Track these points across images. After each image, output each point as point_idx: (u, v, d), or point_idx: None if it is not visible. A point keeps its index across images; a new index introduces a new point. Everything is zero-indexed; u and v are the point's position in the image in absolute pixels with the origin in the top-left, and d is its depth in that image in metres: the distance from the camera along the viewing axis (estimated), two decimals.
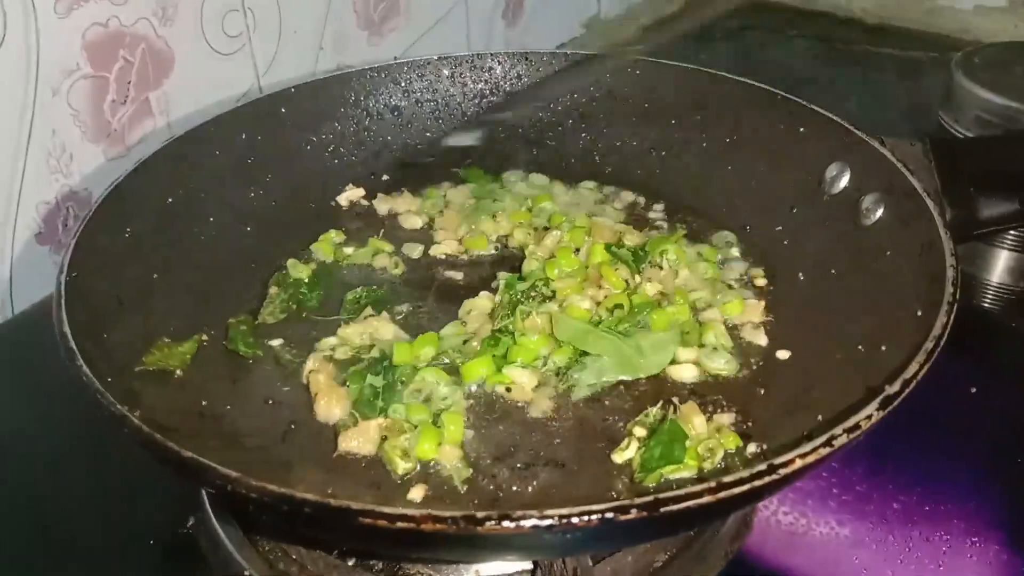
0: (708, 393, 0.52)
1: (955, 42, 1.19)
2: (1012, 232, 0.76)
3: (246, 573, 0.48)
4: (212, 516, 0.50)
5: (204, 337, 0.54)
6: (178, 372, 0.51)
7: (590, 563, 0.44)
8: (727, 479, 0.34)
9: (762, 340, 0.55)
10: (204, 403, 0.49)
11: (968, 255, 0.78)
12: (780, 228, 0.60)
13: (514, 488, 0.45)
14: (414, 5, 0.97)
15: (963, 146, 0.70)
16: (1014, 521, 0.55)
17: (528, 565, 0.47)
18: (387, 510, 0.33)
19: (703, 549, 0.50)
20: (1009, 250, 0.77)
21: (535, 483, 0.45)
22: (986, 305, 0.76)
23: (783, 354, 0.54)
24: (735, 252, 0.62)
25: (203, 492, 0.51)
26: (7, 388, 0.66)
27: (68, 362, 0.41)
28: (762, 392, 0.51)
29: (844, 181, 0.58)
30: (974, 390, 0.64)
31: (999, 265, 0.78)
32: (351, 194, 0.69)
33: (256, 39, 0.82)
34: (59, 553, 0.53)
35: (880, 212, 0.54)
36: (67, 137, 0.71)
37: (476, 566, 0.46)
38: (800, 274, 0.57)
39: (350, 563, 0.48)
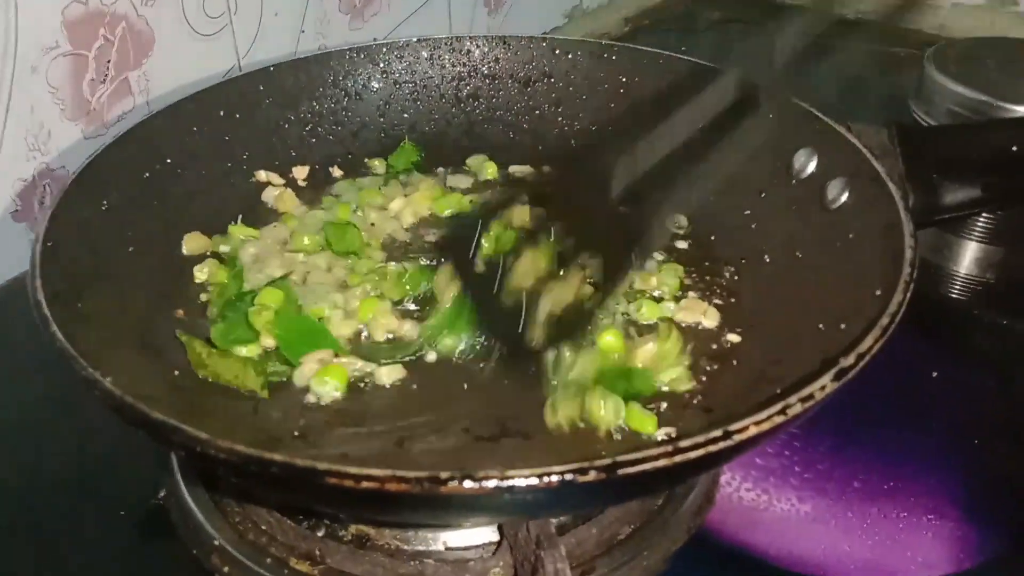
0: None
1: (932, 38, 1.20)
2: (979, 223, 0.78)
3: (216, 542, 0.49)
4: (183, 487, 0.51)
5: (180, 312, 0.55)
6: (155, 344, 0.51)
7: (554, 532, 0.45)
8: (683, 443, 0.35)
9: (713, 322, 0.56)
10: (176, 372, 0.50)
11: (936, 246, 0.80)
12: (748, 212, 0.62)
13: None
14: None
15: (928, 133, 0.71)
16: (970, 498, 0.56)
17: (494, 536, 0.48)
18: (353, 470, 0.34)
19: (666, 522, 0.51)
20: (977, 241, 0.79)
21: None
22: (953, 295, 0.78)
23: (734, 337, 0.55)
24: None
25: (174, 463, 0.52)
26: None
27: (41, 328, 0.42)
28: (725, 369, 0.52)
29: (812, 166, 0.59)
30: (935, 374, 0.65)
31: (967, 256, 0.80)
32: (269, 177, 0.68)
33: (237, 21, 0.83)
34: (29, 526, 0.54)
35: (845, 196, 0.55)
36: (45, 115, 0.71)
37: (444, 535, 0.48)
38: (766, 256, 0.58)
39: (319, 533, 0.49)
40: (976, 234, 0.79)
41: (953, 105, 0.81)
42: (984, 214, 0.77)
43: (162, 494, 0.53)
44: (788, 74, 0.64)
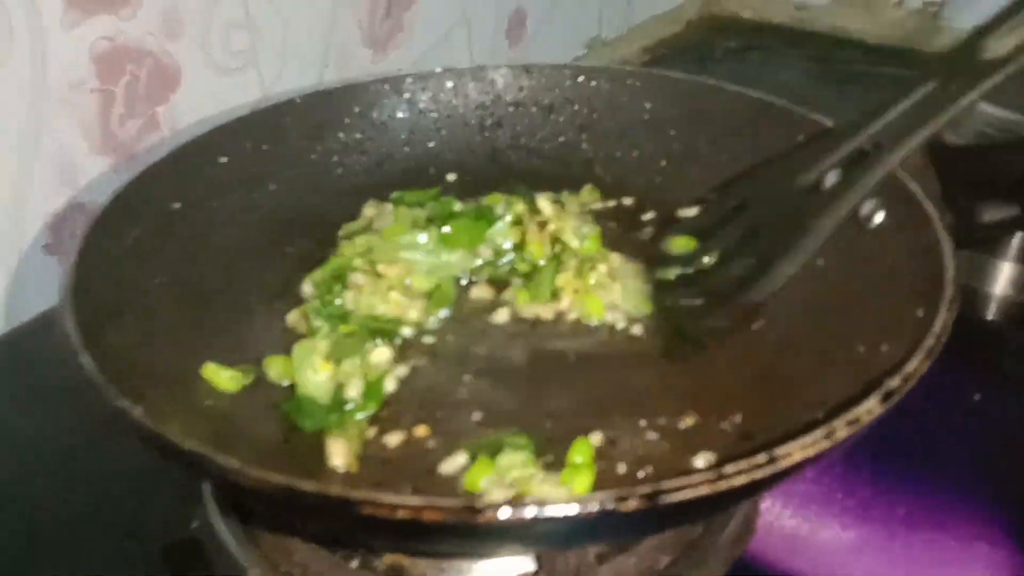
0: (708, 398, 0.51)
1: None
2: (1015, 243, 0.77)
3: (250, 573, 0.48)
4: (216, 517, 0.50)
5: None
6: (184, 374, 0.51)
7: (593, 561, 0.43)
8: (727, 469, 0.34)
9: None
10: (208, 403, 0.49)
11: (971, 267, 0.79)
12: None
13: None
14: (418, 23, 0.98)
15: (963, 152, 0.70)
16: (1019, 523, 0.54)
17: (531, 566, 0.47)
18: (387, 499, 0.33)
19: (705, 552, 0.50)
20: (1012, 262, 0.77)
21: None
22: (989, 316, 0.76)
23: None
24: None
25: (206, 493, 0.51)
26: (10, 396, 0.67)
27: (71, 358, 0.42)
28: (762, 393, 0.51)
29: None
30: (978, 397, 0.64)
31: (1002, 277, 0.78)
32: None
33: (261, 55, 0.84)
34: (61, 561, 0.53)
35: (880, 217, 0.55)
36: (75, 149, 0.72)
37: (479, 564, 0.46)
38: (799, 279, 0.57)
39: (353, 564, 0.48)
40: (1011, 254, 0.78)
41: (982, 125, 0.80)
42: (1013, 235, 0.76)
43: (195, 525, 0.52)
44: (809, 101, 0.63)
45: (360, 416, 0.50)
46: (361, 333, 0.54)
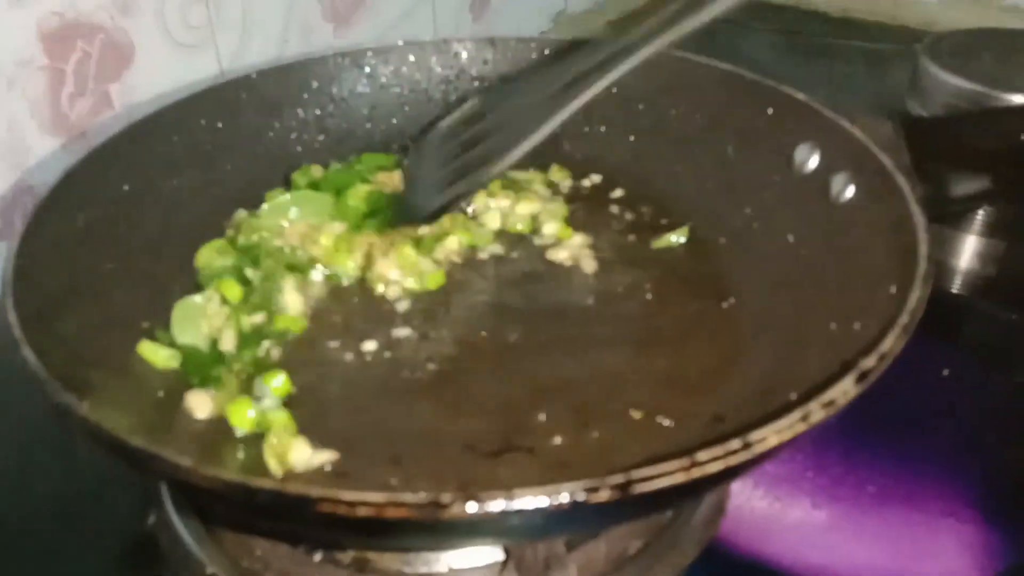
0: (678, 379, 0.51)
1: (920, 34, 1.19)
2: (980, 216, 0.77)
3: (208, 571, 0.46)
4: (173, 513, 0.48)
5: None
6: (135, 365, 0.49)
7: (564, 550, 0.43)
8: (700, 456, 0.33)
9: None
10: (161, 394, 0.48)
11: (936, 241, 0.78)
12: (749, 211, 0.60)
13: None
14: None
15: (934, 124, 0.70)
16: (989, 499, 0.54)
17: (500, 556, 0.46)
18: (347, 496, 0.32)
19: (676, 536, 0.49)
20: (977, 235, 0.77)
21: None
22: (955, 290, 0.76)
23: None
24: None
25: (163, 489, 0.50)
26: None
27: (14, 352, 0.40)
28: (732, 375, 0.50)
29: (814, 161, 0.57)
30: (946, 372, 0.64)
31: (967, 250, 0.78)
32: None
33: (219, 30, 0.81)
34: (18, 556, 0.52)
35: (851, 191, 0.54)
36: (23, 130, 0.69)
37: (447, 555, 0.45)
38: (769, 256, 0.57)
39: (316, 558, 0.47)
40: (976, 228, 0.77)
41: (950, 98, 0.80)
42: (984, 207, 0.76)
43: (151, 520, 0.50)
44: (776, 74, 0.62)
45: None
46: (276, 269, 0.55)
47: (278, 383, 0.47)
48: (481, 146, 0.56)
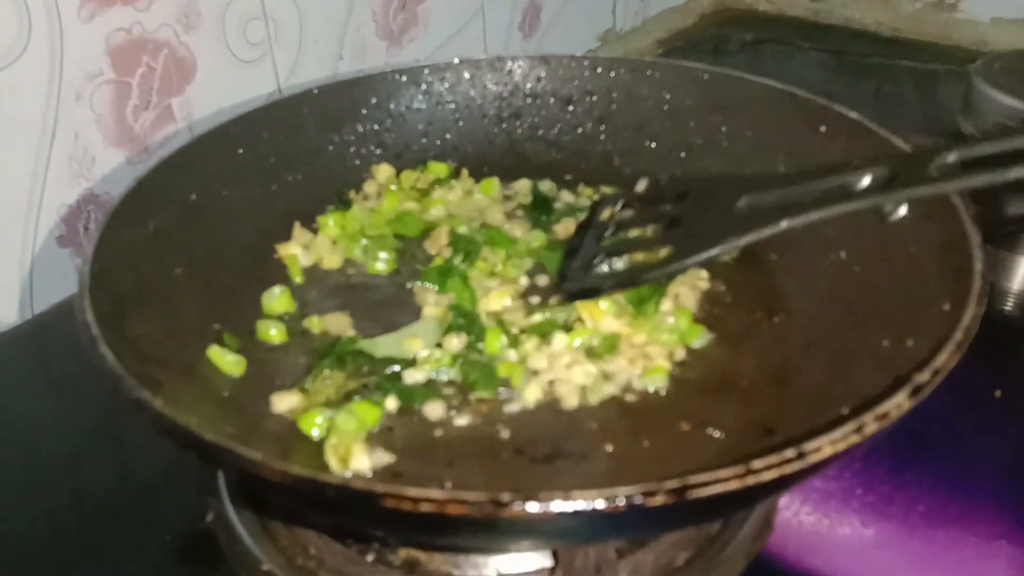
0: (725, 391, 0.51)
1: (972, 54, 1.18)
2: None
3: (265, 567, 0.48)
4: (230, 509, 0.50)
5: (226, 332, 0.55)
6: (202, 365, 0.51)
7: (614, 557, 0.43)
8: (756, 465, 0.34)
9: None
10: (226, 394, 0.49)
11: (989, 262, 0.78)
12: (802, 228, 0.60)
13: None
14: (432, 16, 0.98)
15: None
16: None
17: (548, 562, 0.47)
18: (410, 492, 0.33)
19: (724, 549, 0.49)
20: None
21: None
22: (1007, 311, 0.76)
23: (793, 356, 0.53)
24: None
25: (221, 485, 0.51)
26: (26, 387, 0.67)
27: (89, 350, 0.41)
28: (784, 388, 0.50)
29: (867, 179, 0.57)
30: (998, 393, 0.63)
31: (1020, 272, 0.77)
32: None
33: (277, 47, 0.83)
34: (73, 551, 0.53)
35: (904, 209, 0.54)
36: (89, 141, 0.72)
37: (496, 560, 0.46)
38: (823, 272, 0.57)
39: (369, 558, 0.48)
40: None
41: (1003, 118, 0.80)
42: None
43: (209, 517, 0.52)
44: (824, 94, 0.63)
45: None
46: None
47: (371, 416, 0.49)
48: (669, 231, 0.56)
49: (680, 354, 0.54)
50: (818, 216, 0.49)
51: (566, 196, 0.69)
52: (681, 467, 0.43)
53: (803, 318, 0.55)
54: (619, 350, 0.53)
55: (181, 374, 0.47)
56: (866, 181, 0.51)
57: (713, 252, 0.51)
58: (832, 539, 0.53)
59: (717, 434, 0.48)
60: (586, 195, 0.68)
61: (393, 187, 0.68)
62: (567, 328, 0.55)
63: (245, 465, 0.35)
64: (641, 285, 0.55)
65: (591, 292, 0.55)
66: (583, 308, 0.55)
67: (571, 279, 0.57)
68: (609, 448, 0.47)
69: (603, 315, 0.55)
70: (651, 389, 0.51)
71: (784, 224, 0.50)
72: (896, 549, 0.53)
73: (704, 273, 0.60)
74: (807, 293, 0.57)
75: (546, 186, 0.69)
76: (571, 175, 0.70)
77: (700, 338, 0.55)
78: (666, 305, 0.56)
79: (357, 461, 0.44)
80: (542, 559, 0.47)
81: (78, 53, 0.69)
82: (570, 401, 0.50)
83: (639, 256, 0.57)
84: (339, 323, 0.56)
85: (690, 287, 0.59)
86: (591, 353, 0.53)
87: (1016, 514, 0.54)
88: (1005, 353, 0.70)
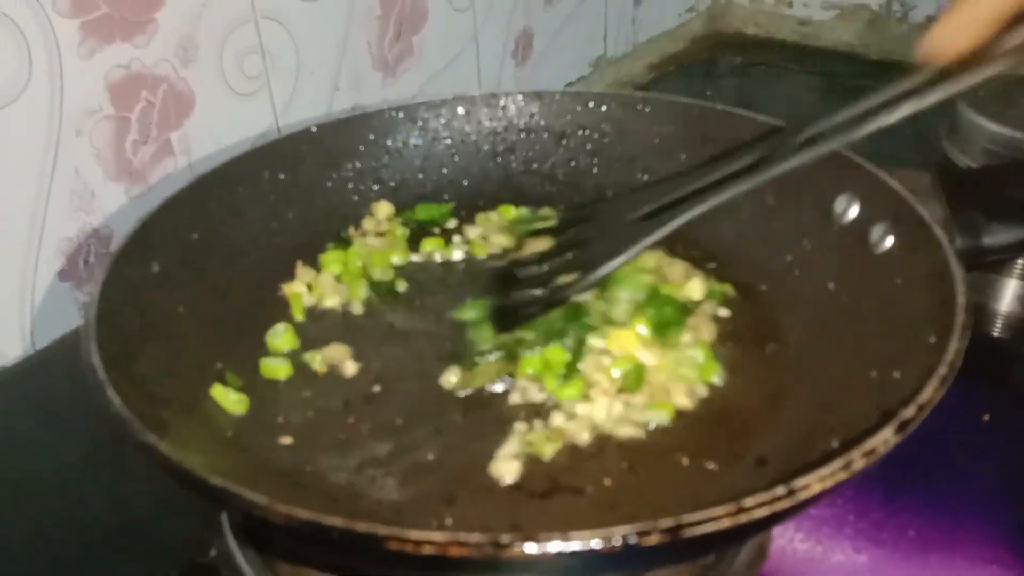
0: (716, 420, 0.52)
1: None
2: (1021, 261, 0.77)
3: None
4: (233, 545, 0.51)
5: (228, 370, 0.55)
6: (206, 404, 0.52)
7: None
8: (747, 503, 0.35)
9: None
10: (229, 433, 0.50)
11: (977, 284, 0.79)
12: (791, 259, 0.61)
13: None
14: (427, 47, 0.99)
15: (971, 175, 0.71)
16: None
17: None
18: (413, 535, 0.34)
19: None
20: (1018, 279, 0.78)
21: None
22: (996, 333, 0.77)
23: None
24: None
25: (224, 522, 0.52)
26: (28, 423, 0.67)
27: (97, 392, 0.42)
28: (774, 418, 0.52)
29: (853, 211, 0.59)
30: (987, 417, 0.64)
31: (1008, 294, 0.79)
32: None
33: (274, 80, 0.84)
34: None
35: (890, 241, 0.55)
36: (90, 176, 0.73)
37: None
38: (811, 303, 0.58)
39: None
40: (1017, 271, 0.78)
41: (989, 144, 0.81)
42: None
43: (212, 553, 0.52)
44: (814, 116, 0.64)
45: None
46: None
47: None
48: (577, 253, 0.59)
49: (701, 391, 0.54)
50: (708, 206, 0.55)
51: None
52: (677, 501, 0.45)
53: (794, 348, 0.57)
54: (643, 386, 0.54)
55: (185, 413, 0.48)
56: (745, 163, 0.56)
57: (619, 260, 0.55)
58: (826, 566, 0.54)
59: (711, 466, 0.49)
60: None
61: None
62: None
63: (251, 508, 0.36)
64: (563, 302, 0.57)
65: (519, 317, 0.57)
66: (614, 341, 0.56)
67: (498, 314, 0.59)
68: (607, 482, 0.48)
69: (636, 346, 0.56)
70: (652, 425, 0.52)
71: (679, 219, 0.55)
72: (889, 575, 0.54)
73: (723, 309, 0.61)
74: (797, 324, 0.58)
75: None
76: (565, 207, 0.71)
77: (718, 374, 0.55)
78: (685, 338, 0.57)
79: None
80: None
81: (78, 89, 0.70)
82: (579, 438, 0.51)
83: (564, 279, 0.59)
84: (338, 354, 0.57)
85: (708, 318, 0.59)
86: (619, 388, 0.54)
87: (1007, 538, 0.55)
88: (994, 376, 0.71)
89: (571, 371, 0.54)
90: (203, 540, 0.53)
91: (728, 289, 0.62)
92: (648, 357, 0.55)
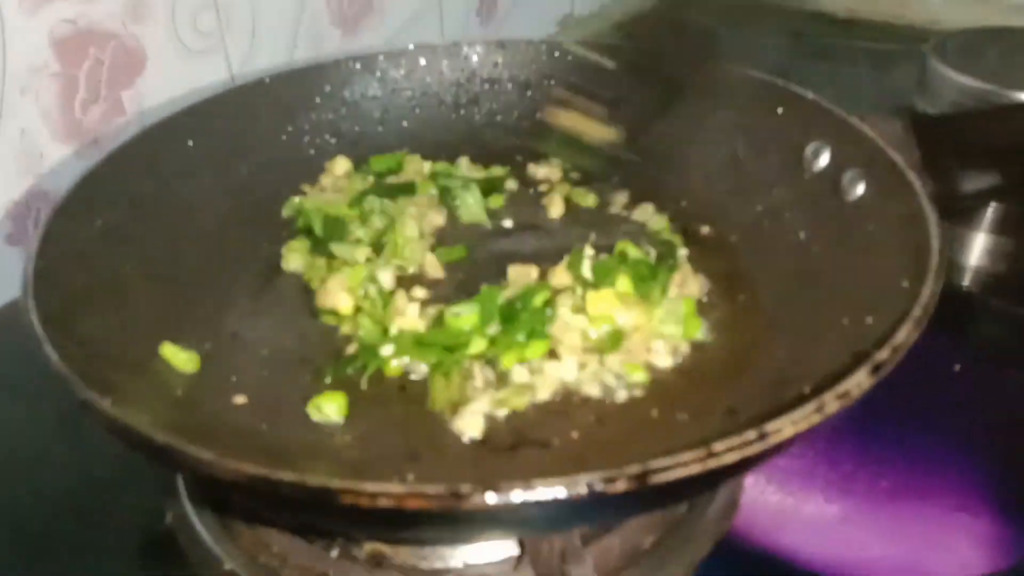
0: (687, 372, 0.51)
1: (925, 33, 1.19)
2: (989, 214, 0.77)
3: (226, 567, 0.47)
4: (190, 510, 0.49)
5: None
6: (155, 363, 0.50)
7: (579, 544, 0.43)
8: (717, 447, 0.34)
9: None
10: (180, 393, 0.48)
11: (946, 238, 0.79)
12: (760, 208, 0.60)
13: None
14: (388, 2, 0.96)
15: (943, 121, 0.70)
16: (1002, 493, 0.55)
17: (515, 551, 0.47)
18: (368, 487, 0.32)
19: (691, 530, 0.49)
20: (986, 232, 0.78)
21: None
22: (965, 287, 0.77)
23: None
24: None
25: (180, 486, 0.50)
26: None
27: (36, 349, 0.40)
28: (745, 368, 0.51)
29: (824, 159, 0.58)
30: (957, 367, 0.64)
31: (977, 247, 0.78)
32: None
33: (229, 37, 0.82)
34: (35, 554, 0.52)
35: (861, 188, 0.54)
36: (36, 137, 0.70)
37: (462, 550, 0.46)
38: (782, 253, 0.57)
39: (333, 554, 0.47)
40: (985, 225, 0.78)
41: (958, 96, 0.80)
42: (993, 203, 0.76)
43: (168, 518, 0.51)
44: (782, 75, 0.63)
45: None
46: None
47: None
48: None
49: (684, 348, 0.53)
50: None
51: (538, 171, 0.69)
52: (645, 451, 0.44)
53: (765, 298, 0.56)
54: (620, 346, 0.52)
55: (134, 373, 0.46)
56: None
57: None
58: (798, 516, 0.54)
59: (682, 416, 0.48)
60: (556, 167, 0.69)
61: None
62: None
63: (198, 465, 0.34)
64: None
65: None
66: (593, 299, 0.53)
67: None
68: (574, 435, 0.47)
69: (616, 306, 0.53)
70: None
71: None
72: (860, 524, 0.53)
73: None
74: (769, 273, 0.57)
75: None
76: (531, 160, 0.69)
77: (701, 331, 0.54)
78: (672, 292, 0.55)
79: None
80: (508, 548, 0.47)
81: (21, 46, 0.67)
82: (543, 394, 0.49)
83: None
84: None
85: (694, 273, 0.58)
86: (593, 349, 0.52)
87: (976, 486, 0.55)
88: (963, 328, 0.71)
89: (535, 334, 0.52)
90: (162, 506, 0.52)
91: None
92: (627, 318, 0.53)
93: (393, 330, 0.53)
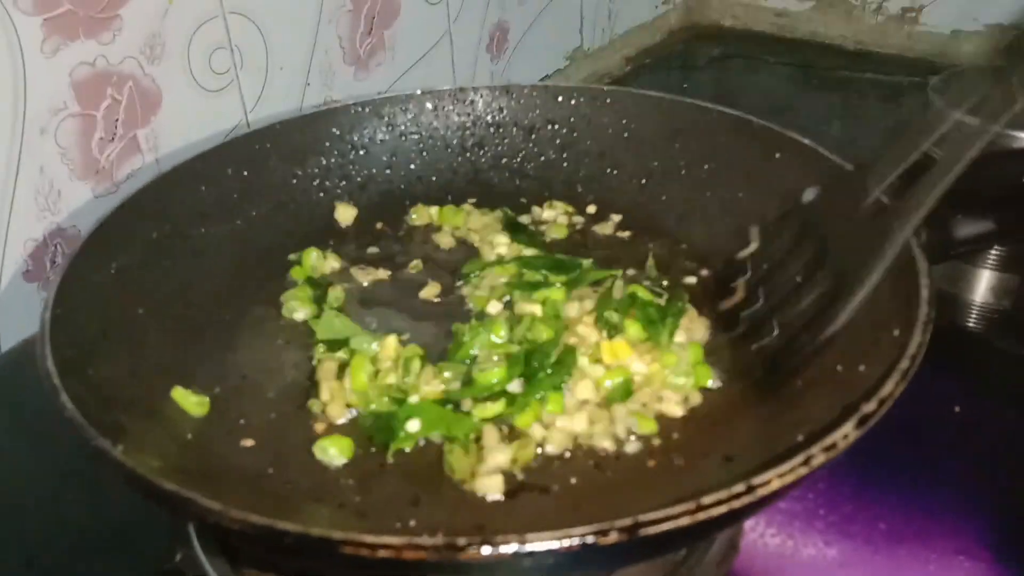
0: (689, 418, 0.52)
1: (934, 66, 1.21)
2: (993, 252, 0.77)
3: None
4: (200, 551, 0.50)
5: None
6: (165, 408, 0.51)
7: None
8: (706, 500, 0.34)
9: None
10: (189, 436, 0.49)
11: (950, 275, 0.79)
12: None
13: None
14: (399, 40, 0.98)
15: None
16: (1001, 537, 0.55)
17: None
18: (368, 539, 0.33)
19: (691, 573, 0.50)
20: (991, 269, 0.78)
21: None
22: (969, 325, 0.77)
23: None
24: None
25: (190, 527, 0.51)
26: None
27: (52, 398, 0.42)
28: (742, 413, 0.51)
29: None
30: (958, 409, 0.64)
31: (981, 285, 0.79)
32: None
33: (243, 76, 0.83)
34: None
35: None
36: (55, 175, 0.72)
37: None
38: None
39: None
40: (990, 263, 0.78)
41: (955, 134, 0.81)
42: (988, 248, 0.76)
43: (179, 557, 0.52)
44: (791, 107, 0.64)
45: None
46: None
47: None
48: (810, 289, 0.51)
49: (695, 398, 0.53)
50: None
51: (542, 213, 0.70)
52: (642, 499, 0.45)
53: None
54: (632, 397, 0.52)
55: (145, 416, 0.48)
56: None
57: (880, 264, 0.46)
58: (797, 559, 0.54)
59: (679, 461, 0.49)
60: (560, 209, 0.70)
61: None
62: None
63: (205, 514, 0.35)
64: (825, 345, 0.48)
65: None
66: (607, 349, 0.54)
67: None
68: (573, 481, 0.48)
69: (629, 355, 0.53)
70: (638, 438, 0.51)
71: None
72: (859, 567, 0.54)
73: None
74: None
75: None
76: (535, 203, 0.71)
77: (712, 378, 0.54)
78: (679, 338, 0.56)
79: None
80: None
81: (42, 87, 0.69)
82: (552, 448, 0.50)
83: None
84: None
85: (698, 318, 0.58)
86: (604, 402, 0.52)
87: (976, 530, 0.56)
88: (964, 367, 0.71)
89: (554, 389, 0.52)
90: (171, 548, 0.52)
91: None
92: (640, 366, 0.54)
93: (413, 398, 0.52)
